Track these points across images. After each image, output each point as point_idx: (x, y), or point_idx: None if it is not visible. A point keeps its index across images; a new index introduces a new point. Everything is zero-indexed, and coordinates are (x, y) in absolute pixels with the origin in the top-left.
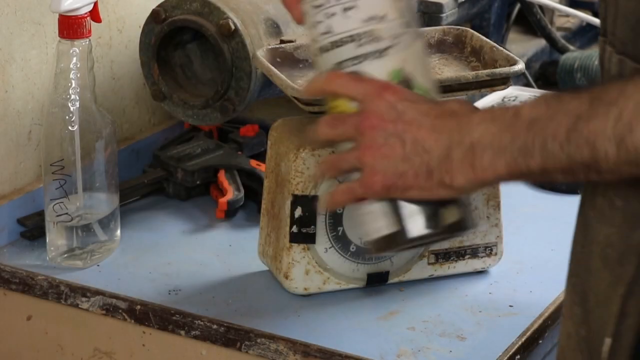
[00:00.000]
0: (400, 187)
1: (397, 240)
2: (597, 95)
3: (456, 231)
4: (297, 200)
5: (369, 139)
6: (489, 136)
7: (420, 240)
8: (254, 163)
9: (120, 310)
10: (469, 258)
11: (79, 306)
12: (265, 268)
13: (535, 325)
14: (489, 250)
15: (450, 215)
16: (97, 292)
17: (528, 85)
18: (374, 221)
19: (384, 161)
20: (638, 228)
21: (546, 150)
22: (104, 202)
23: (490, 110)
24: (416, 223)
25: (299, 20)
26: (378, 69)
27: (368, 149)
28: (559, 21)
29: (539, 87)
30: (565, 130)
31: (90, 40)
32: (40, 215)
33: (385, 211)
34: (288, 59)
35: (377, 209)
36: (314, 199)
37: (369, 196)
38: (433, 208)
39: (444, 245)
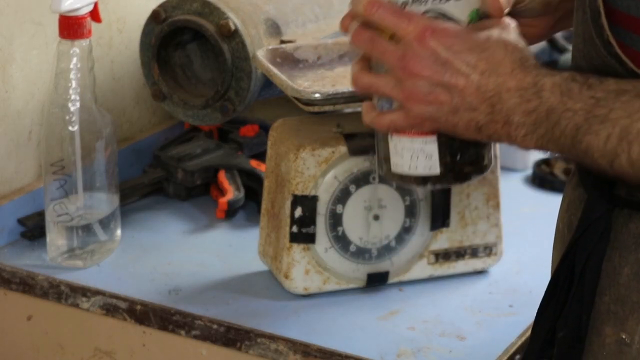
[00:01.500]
0: (450, 132)
1: (431, 181)
2: (592, 107)
3: (485, 171)
4: (297, 200)
5: (410, 85)
6: (520, 113)
7: (452, 185)
8: (254, 163)
9: (120, 310)
10: (469, 258)
11: (79, 306)
12: (265, 268)
13: None
14: (489, 250)
15: (487, 158)
16: (97, 292)
17: None
18: (412, 159)
19: (431, 108)
20: None
21: (561, 144)
22: (104, 202)
23: (522, 76)
24: (455, 169)
25: None
26: (460, 9)
27: (412, 96)
28: None
29: None
30: (571, 135)
31: (90, 40)
32: (40, 215)
33: (429, 154)
34: (288, 59)
35: (418, 147)
36: (314, 199)
37: (415, 131)
38: (475, 153)
39: (444, 245)
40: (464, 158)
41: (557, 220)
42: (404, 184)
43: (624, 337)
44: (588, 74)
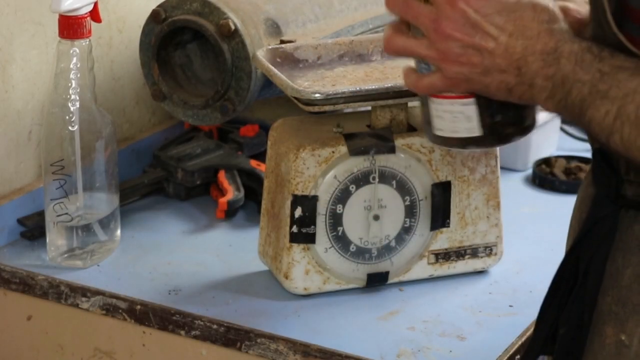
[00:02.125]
0: (484, 93)
1: (473, 143)
2: (597, 81)
3: (528, 133)
4: (297, 200)
5: (443, 46)
6: (541, 76)
7: (494, 146)
8: (254, 163)
9: (120, 310)
10: (469, 258)
11: (79, 306)
12: (265, 268)
13: None
14: (489, 250)
15: (529, 119)
16: (97, 292)
17: None
18: (453, 121)
19: (465, 69)
20: None
21: (572, 113)
22: (104, 202)
23: (547, 39)
24: (496, 130)
25: None
26: None
27: (446, 57)
28: None
29: None
30: (578, 106)
31: (90, 40)
32: (40, 215)
33: (468, 116)
34: (288, 59)
35: (458, 110)
36: (314, 199)
37: (452, 92)
38: (515, 114)
39: (444, 245)
40: (505, 119)
41: (571, 217)
42: (447, 146)
43: (623, 338)
44: (605, 47)
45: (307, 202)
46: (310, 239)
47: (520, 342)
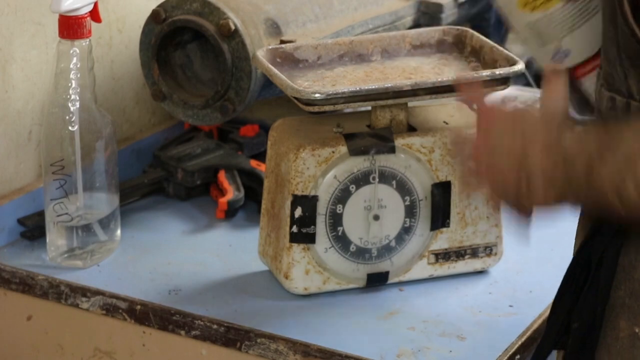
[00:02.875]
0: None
1: None
2: (603, 142)
3: None
4: (297, 200)
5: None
6: (549, 171)
7: None
8: (254, 163)
9: (120, 310)
10: (469, 258)
11: (79, 306)
12: (265, 268)
13: (535, 325)
14: (489, 250)
15: None
16: (97, 292)
17: (528, 85)
18: None
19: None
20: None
21: (575, 195)
22: (104, 202)
23: (550, 130)
24: None
25: None
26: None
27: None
28: None
29: (539, 87)
30: (585, 178)
31: (90, 40)
32: (40, 215)
33: None
34: (288, 59)
35: None
36: (314, 199)
37: None
38: None
39: (444, 245)
40: None
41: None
42: None
43: (637, 331)
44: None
45: (307, 202)
46: (310, 239)
47: (520, 342)
